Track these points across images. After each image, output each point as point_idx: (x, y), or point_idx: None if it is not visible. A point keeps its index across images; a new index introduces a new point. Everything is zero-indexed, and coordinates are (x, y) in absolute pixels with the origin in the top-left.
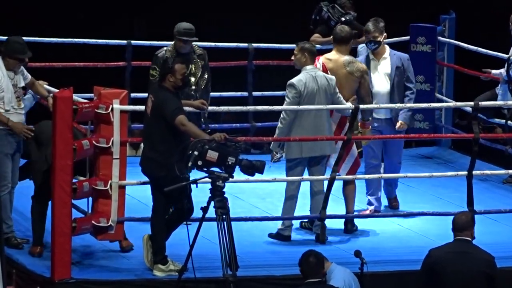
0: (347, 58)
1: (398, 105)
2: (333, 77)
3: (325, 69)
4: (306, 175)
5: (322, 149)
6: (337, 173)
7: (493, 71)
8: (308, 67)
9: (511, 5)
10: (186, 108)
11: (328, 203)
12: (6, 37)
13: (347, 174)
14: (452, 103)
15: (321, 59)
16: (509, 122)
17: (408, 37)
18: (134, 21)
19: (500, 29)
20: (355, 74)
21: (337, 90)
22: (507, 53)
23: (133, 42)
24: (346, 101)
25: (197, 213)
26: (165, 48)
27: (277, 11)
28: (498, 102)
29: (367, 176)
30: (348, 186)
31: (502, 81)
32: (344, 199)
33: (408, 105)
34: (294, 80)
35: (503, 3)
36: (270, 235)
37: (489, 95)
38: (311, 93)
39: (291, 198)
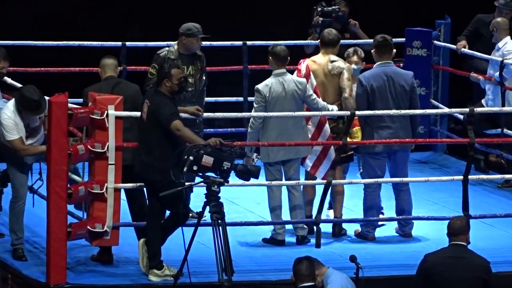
0: (331, 58)
1: (395, 111)
2: (303, 80)
3: (308, 71)
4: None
5: (297, 152)
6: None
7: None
8: (277, 71)
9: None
10: (181, 114)
11: (323, 207)
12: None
13: (323, 178)
14: (447, 109)
15: (307, 61)
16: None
17: (404, 39)
18: (126, 25)
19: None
20: (334, 72)
21: (310, 93)
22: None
23: (128, 43)
24: (331, 103)
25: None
26: (167, 48)
27: (274, 14)
28: (493, 109)
29: (363, 181)
30: (336, 190)
31: (494, 82)
32: (332, 203)
33: (403, 111)
34: (260, 85)
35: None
36: (264, 240)
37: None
38: (277, 98)
39: (276, 207)
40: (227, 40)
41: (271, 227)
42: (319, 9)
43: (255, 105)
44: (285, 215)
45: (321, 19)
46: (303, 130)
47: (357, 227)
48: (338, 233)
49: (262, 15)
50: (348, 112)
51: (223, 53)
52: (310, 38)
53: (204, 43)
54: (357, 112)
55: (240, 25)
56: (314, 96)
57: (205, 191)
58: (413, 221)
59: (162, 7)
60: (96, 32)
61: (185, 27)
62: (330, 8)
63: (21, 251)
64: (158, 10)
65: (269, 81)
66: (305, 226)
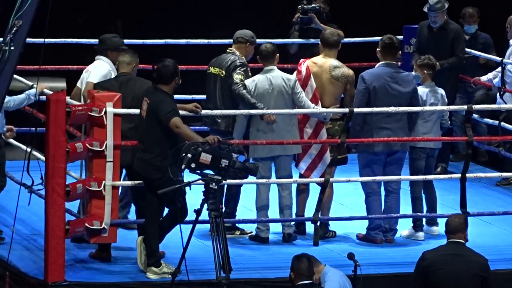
0: (334, 62)
1: (392, 108)
2: (292, 77)
3: (308, 73)
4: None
5: (284, 149)
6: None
7: (482, 78)
8: (266, 67)
9: (504, 7)
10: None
11: (320, 205)
12: None
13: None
14: (445, 107)
15: (307, 63)
16: (502, 123)
17: (401, 36)
18: (111, 25)
19: (495, 32)
20: (340, 80)
21: (298, 90)
22: (502, 56)
23: (125, 41)
24: (327, 107)
25: (190, 215)
26: (236, 55)
27: (272, 12)
28: (492, 106)
29: (361, 179)
30: (325, 192)
31: (493, 88)
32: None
33: (402, 108)
34: (247, 80)
35: (497, 6)
36: (250, 237)
37: (484, 96)
38: (263, 93)
39: (262, 207)
40: (225, 38)
41: (270, 224)
42: (299, 6)
43: None
44: (274, 213)
45: (301, 16)
46: (293, 127)
47: (355, 226)
48: (323, 235)
49: (258, 13)
50: (347, 110)
51: (219, 51)
52: (291, 37)
53: (201, 41)
54: (355, 110)
55: (236, 23)
56: (302, 95)
57: (203, 189)
58: (397, 228)
59: (158, 5)
60: (96, 30)
61: (249, 34)
62: (310, 6)
63: None
64: (155, 8)
65: (257, 77)
66: (292, 224)
